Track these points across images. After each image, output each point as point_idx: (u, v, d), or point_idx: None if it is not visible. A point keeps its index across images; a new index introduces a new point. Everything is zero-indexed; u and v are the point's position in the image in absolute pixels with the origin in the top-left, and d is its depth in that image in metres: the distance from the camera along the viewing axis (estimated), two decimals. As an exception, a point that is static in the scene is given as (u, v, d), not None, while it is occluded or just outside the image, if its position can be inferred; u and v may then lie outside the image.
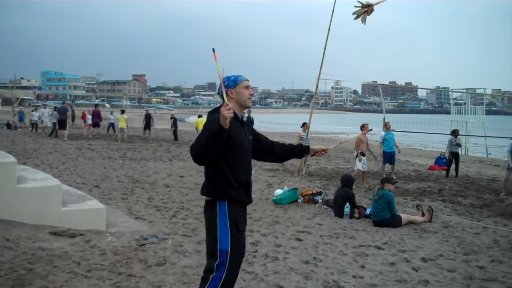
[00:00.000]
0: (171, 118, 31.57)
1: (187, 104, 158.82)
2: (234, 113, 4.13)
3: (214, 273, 4.07)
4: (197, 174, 15.41)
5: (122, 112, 29.25)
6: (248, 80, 4.41)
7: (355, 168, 14.93)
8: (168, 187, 12.82)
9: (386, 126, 17.25)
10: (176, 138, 29.97)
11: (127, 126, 28.15)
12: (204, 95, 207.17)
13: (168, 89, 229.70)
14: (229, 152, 4.12)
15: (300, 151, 4.76)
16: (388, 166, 17.17)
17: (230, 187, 4.14)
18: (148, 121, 30.96)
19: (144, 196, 11.44)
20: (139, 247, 7.21)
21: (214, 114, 4.07)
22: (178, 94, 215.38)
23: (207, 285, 4.07)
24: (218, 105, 4.38)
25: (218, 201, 4.16)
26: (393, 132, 17.25)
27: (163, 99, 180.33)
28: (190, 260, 6.75)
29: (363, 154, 14.56)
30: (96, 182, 13.11)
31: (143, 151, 22.56)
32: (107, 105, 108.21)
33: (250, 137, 4.42)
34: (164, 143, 27.11)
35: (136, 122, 41.86)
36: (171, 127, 31.07)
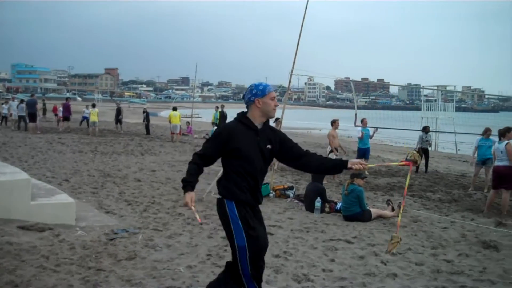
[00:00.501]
0: (144, 112, 31.38)
1: (160, 99, 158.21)
2: (250, 122, 4.46)
3: (242, 268, 4.40)
4: (169, 169, 15.35)
5: (93, 106, 29.02)
6: (275, 91, 4.59)
7: None
8: (139, 181, 12.74)
9: (362, 122, 17.34)
10: (148, 132, 29.78)
11: (98, 119, 27.90)
12: (177, 89, 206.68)
13: (141, 83, 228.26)
14: (236, 161, 4.38)
15: (336, 165, 4.65)
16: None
17: (238, 190, 4.37)
18: (118, 115, 30.83)
19: (115, 190, 11.35)
20: (108, 242, 7.16)
21: (225, 127, 4.52)
22: (151, 88, 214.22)
23: (243, 278, 4.43)
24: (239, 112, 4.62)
25: (225, 200, 4.42)
26: (369, 128, 17.37)
27: (136, 93, 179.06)
28: (161, 254, 6.73)
29: (336, 150, 14.64)
30: (66, 176, 12.96)
31: (115, 145, 22.38)
32: (79, 98, 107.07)
33: (268, 146, 4.50)
34: (136, 137, 26.90)
35: (107, 116, 41.50)
36: (144, 121, 30.88)
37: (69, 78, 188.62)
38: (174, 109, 27.30)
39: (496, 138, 11.94)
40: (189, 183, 4.36)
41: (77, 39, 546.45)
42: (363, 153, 16.91)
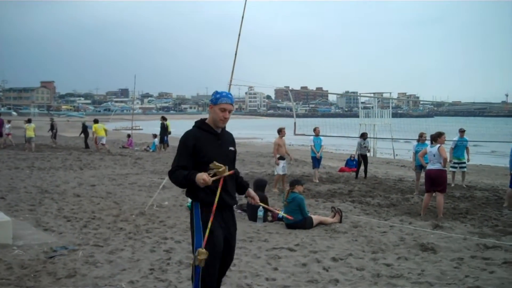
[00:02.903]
0: (82, 125, 30.80)
1: (99, 111, 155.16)
2: (209, 126, 4.68)
3: (195, 271, 4.50)
4: (109, 183, 15.10)
5: (29, 121, 28.20)
6: (231, 103, 4.69)
7: (275, 173, 14.90)
8: (78, 197, 12.47)
9: (315, 131, 17.48)
10: (87, 146, 29.18)
11: (35, 134, 27.20)
12: (116, 101, 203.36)
13: (79, 95, 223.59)
14: (201, 164, 4.50)
15: (242, 186, 4.98)
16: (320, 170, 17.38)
17: (202, 192, 4.50)
18: (51, 129, 30.34)
19: (53, 207, 11.08)
20: (47, 260, 7.00)
21: (187, 135, 4.64)
22: (89, 101, 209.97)
23: (193, 283, 4.56)
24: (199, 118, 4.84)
25: (194, 202, 4.62)
26: (321, 137, 17.51)
27: (74, 106, 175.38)
28: (102, 270, 6.61)
29: (282, 158, 14.63)
30: (1, 193, 12.56)
31: (52, 160, 21.83)
32: (14, 113, 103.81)
33: (231, 148, 4.79)
34: (74, 152, 26.32)
35: (44, 131, 40.43)
36: (81, 135, 30.30)
37: (3, 92, 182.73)
38: (96, 121, 27.45)
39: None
40: (190, 173, 4.40)
41: (11, 52, 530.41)
42: (316, 161, 17.06)
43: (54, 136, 30.44)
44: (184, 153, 4.56)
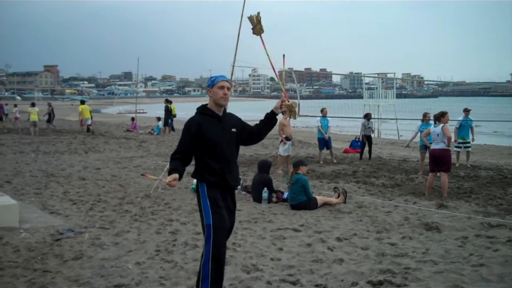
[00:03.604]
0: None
1: (103, 95, 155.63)
2: (211, 111, 4.86)
3: (205, 247, 4.67)
4: (114, 166, 15.16)
5: (33, 105, 28.28)
6: (227, 80, 4.90)
7: (278, 153, 14.94)
8: (84, 180, 12.53)
9: (323, 112, 17.45)
10: (88, 129, 29.15)
11: (39, 118, 27.27)
12: (120, 85, 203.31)
13: (82, 79, 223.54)
14: (206, 147, 4.77)
15: (269, 119, 5.02)
16: (325, 152, 17.37)
17: (208, 174, 4.77)
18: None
19: (59, 190, 11.14)
20: (54, 242, 7.06)
21: (191, 120, 4.82)
22: (93, 85, 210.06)
23: (202, 259, 4.69)
24: (201, 105, 4.99)
25: (199, 182, 4.82)
26: (328, 118, 17.47)
27: (77, 90, 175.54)
28: (108, 252, 6.67)
29: (288, 139, 14.62)
30: (7, 177, 12.63)
31: (57, 144, 21.89)
32: (18, 97, 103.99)
33: (233, 129, 4.92)
34: (78, 135, 26.39)
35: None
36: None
37: (7, 76, 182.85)
38: (83, 102, 27.84)
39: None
40: (173, 169, 4.62)
41: (14, 36, 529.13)
42: (324, 143, 16.99)
43: (51, 120, 30.48)
44: (187, 138, 4.78)
